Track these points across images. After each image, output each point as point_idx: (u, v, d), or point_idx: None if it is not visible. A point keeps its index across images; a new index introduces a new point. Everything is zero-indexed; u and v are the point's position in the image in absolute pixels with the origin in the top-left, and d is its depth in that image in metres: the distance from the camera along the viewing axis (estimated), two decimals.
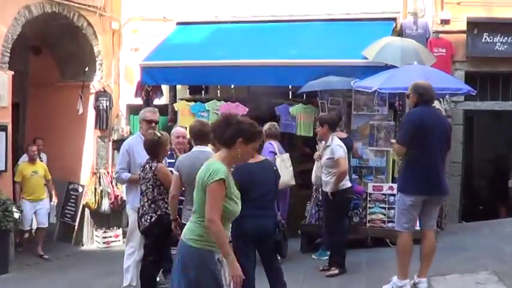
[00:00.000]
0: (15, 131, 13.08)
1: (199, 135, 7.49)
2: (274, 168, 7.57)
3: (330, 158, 9.19)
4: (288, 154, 10.73)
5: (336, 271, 9.17)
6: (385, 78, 10.17)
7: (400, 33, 12.34)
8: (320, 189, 9.89)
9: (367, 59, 10.97)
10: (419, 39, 11.90)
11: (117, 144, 13.62)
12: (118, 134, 14.12)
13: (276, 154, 10.13)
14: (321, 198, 10.09)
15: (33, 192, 12.69)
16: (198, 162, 7.03)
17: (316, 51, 11.79)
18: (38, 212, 12.72)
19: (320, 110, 11.42)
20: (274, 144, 10.24)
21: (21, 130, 14.68)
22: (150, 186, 7.80)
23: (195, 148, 7.49)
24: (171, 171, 7.66)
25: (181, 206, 7.50)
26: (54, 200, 13.25)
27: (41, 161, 13.29)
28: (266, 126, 10.24)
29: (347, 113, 11.30)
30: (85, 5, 13.54)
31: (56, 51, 14.38)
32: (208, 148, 7.43)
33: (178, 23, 13.96)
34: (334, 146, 9.17)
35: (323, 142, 9.48)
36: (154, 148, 7.92)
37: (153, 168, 7.80)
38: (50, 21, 13.22)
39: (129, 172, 8.73)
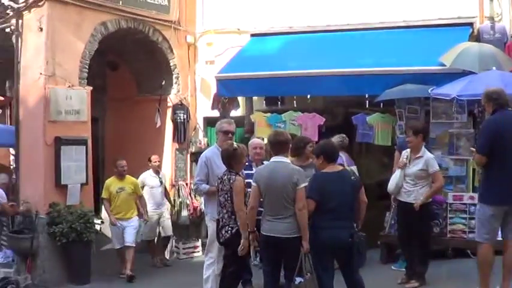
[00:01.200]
0: (94, 145, 13.53)
1: (277, 145, 7.58)
2: (353, 178, 7.57)
3: (422, 170, 9.11)
4: (355, 166, 10.75)
5: (416, 284, 9.08)
6: (463, 85, 10.08)
7: (477, 38, 12.10)
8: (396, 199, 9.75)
9: (445, 65, 10.84)
10: (497, 44, 11.65)
11: (195, 156, 13.91)
12: (196, 146, 14.43)
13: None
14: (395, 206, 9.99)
15: (120, 210, 12.22)
16: (276, 172, 7.20)
17: (393, 59, 11.72)
18: (125, 230, 12.18)
19: (398, 119, 11.39)
20: (343, 156, 10.26)
21: (101, 144, 15.16)
22: (229, 198, 7.92)
23: (273, 159, 7.58)
24: (249, 183, 7.79)
25: (260, 217, 7.57)
26: (145, 217, 12.60)
27: (160, 179, 13.24)
28: (336, 138, 10.28)
29: (425, 122, 11.22)
30: (160, 19, 13.97)
31: (132, 66, 14.85)
32: (286, 158, 7.53)
33: (253, 35, 14.12)
34: (429, 159, 9.06)
35: (408, 151, 9.38)
36: (231, 159, 8.05)
37: (231, 181, 7.93)
38: (126, 36, 13.70)
39: (208, 184, 8.93)
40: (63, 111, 11.98)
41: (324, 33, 13.42)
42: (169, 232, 13.38)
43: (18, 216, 12.39)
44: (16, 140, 12.56)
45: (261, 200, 7.43)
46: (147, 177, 13.12)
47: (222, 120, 10.03)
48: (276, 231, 7.16)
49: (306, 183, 7.14)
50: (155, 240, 13.48)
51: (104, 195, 12.30)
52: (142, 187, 12.90)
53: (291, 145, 8.09)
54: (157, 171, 13.24)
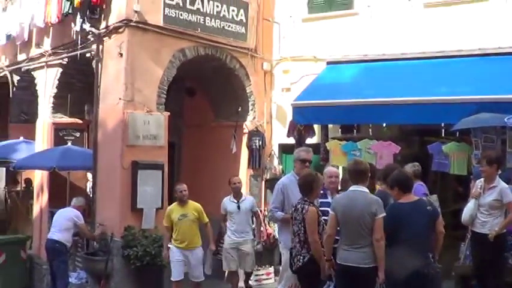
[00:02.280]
0: (170, 170, 13.77)
1: (356, 174, 7.60)
2: (429, 208, 7.50)
3: (496, 200, 8.96)
4: (436, 195, 10.63)
5: None
6: None
7: None
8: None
9: None
10: None
11: (270, 183, 14.06)
12: (270, 173, 14.53)
13: (427, 195, 10.05)
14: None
15: (182, 239, 11.04)
16: (354, 201, 7.21)
17: (468, 87, 11.55)
18: (190, 262, 11.18)
19: (474, 148, 11.23)
20: (423, 187, 10.17)
21: (176, 169, 15.42)
22: (302, 228, 7.94)
23: (352, 187, 7.59)
24: (325, 211, 7.81)
25: (336, 246, 7.57)
26: (211, 247, 11.67)
27: (238, 205, 11.60)
28: (410, 166, 10.20)
29: (501, 151, 11.03)
30: (237, 46, 14.23)
31: (209, 92, 15.13)
32: (365, 188, 7.53)
33: (329, 62, 14.17)
34: (503, 189, 8.89)
35: (482, 180, 9.25)
36: (308, 186, 8.08)
37: (303, 211, 7.94)
38: (203, 63, 13.97)
39: (283, 211, 8.98)
40: (140, 136, 12.31)
41: (399, 61, 13.39)
42: (248, 268, 11.91)
43: (95, 238, 12.71)
44: (94, 163, 12.93)
45: (338, 228, 7.45)
46: (226, 201, 11.77)
47: (300, 148, 10.09)
48: (352, 260, 7.16)
49: (384, 214, 7.13)
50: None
51: (165, 222, 11.20)
52: (225, 214, 11.74)
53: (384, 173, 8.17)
54: (237, 195, 11.75)
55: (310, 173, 8.28)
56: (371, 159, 11.89)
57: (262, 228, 13.16)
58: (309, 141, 13.72)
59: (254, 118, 14.64)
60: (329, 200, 8.64)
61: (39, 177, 15.48)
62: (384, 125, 12.82)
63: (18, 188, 17.82)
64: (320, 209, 8.14)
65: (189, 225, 11.06)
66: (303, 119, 13.17)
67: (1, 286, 14.51)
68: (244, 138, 14.53)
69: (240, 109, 14.56)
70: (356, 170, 7.58)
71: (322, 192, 8.83)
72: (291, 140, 13.94)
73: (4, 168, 17.55)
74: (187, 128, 15.40)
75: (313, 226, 7.77)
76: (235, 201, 11.64)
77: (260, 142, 14.47)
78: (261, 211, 14.16)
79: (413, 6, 13.33)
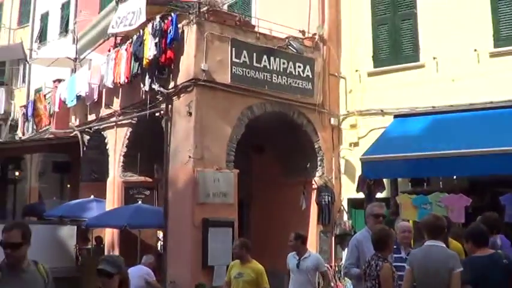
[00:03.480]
0: (240, 226, 13.95)
1: (435, 229, 7.60)
2: (505, 261, 7.47)
3: None
4: None
5: None
6: None
7: None
8: None
9: None
10: None
11: (340, 238, 14.12)
12: (340, 228, 14.56)
13: None
14: None
15: None
16: (431, 256, 7.25)
17: None
18: None
19: None
20: (498, 240, 10.09)
21: (246, 226, 15.60)
22: (376, 284, 7.94)
23: (428, 242, 7.60)
24: (400, 266, 7.86)
25: None
26: None
27: (298, 262, 10.26)
28: (488, 217, 10.14)
29: None
30: (304, 102, 14.48)
31: (277, 149, 15.35)
32: (441, 243, 7.54)
33: (396, 116, 14.24)
34: None
35: None
36: (383, 242, 8.06)
37: (378, 268, 7.97)
38: (271, 120, 14.22)
39: (358, 267, 9.05)
40: (211, 194, 12.59)
41: (467, 112, 13.34)
42: None
43: None
44: (165, 221, 13.22)
45: (414, 284, 7.48)
46: (289, 256, 10.70)
47: (373, 203, 10.14)
48: None
49: (462, 269, 7.14)
50: None
51: (226, 277, 10.25)
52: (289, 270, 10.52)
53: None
54: (299, 251, 10.51)
55: (384, 229, 8.30)
56: (442, 213, 11.81)
57: (332, 285, 13.07)
58: (378, 195, 13.75)
59: (323, 173, 14.76)
60: (402, 255, 8.67)
61: (109, 235, 15.86)
62: (455, 177, 12.76)
63: (89, 246, 18.24)
64: (394, 264, 8.16)
65: (243, 286, 9.71)
66: (373, 173, 13.21)
67: None
68: (314, 194, 14.62)
69: (308, 165, 14.71)
70: (435, 225, 7.56)
71: (395, 247, 8.87)
72: (361, 195, 13.98)
73: (75, 226, 17.98)
74: (256, 185, 15.59)
75: (388, 283, 7.79)
76: (297, 258, 10.42)
77: (329, 198, 14.56)
78: (331, 266, 14.20)
79: (479, 56, 13.36)
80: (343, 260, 14.02)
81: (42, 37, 31.46)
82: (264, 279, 9.79)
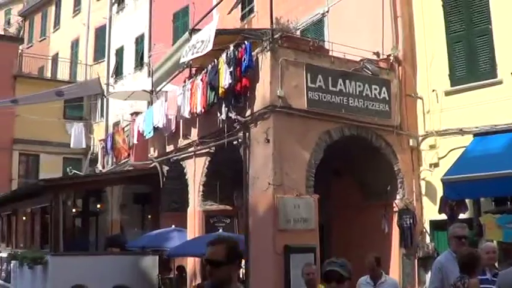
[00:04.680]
0: (322, 252, 13.91)
1: None
2: None
3: None
4: None
5: None
6: None
7: None
8: None
9: None
10: None
11: (423, 261, 13.90)
12: (423, 251, 14.34)
13: None
14: None
15: None
16: None
17: None
18: None
19: None
20: None
21: (327, 251, 15.52)
22: None
23: None
24: None
25: None
26: None
27: (373, 284, 10.01)
28: None
29: None
30: (382, 125, 14.41)
31: (356, 172, 15.30)
32: None
33: (476, 135, 14.01)
34: None
35: None
36: (471, 264, 7.97)
37: (465, 285, 7.87)
38: (349, 143, 14.20)
39: None
40: (291, 220, 12.62)
41: None
42: None
43: None
44: (246, 249, 13.27)
45: None
46: (361, 281, 10.24)
47: (455, 224, 10.00)
48: None
49: None
50: None
51: None
52: None
53: None
54: (375, 275, 10.15)
55: (471, 253, 8.17)
56: None
57: None
58: (461, 216, 13.54)
59: (403, 196, 14.60)
60: (488, 276, 8.49)
61: (191, 264, 16.06)
62: None
63: (171, 275, 18.46)
64: (481, 286, 8.02)
65: None
66: (455, 194, 13.02)
67: None
68: (395, 217, 14.46)
69: (388, 188, 14.59)
70: None
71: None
72: (443, 216, 13.78)
73: (157, 256, 18.25)
74: (336, 209, 15.56)
75: None
76: (371, 283, 10.06)
77: (411, 220, 14.38)
78: None
79: None
80: (427, 283, 13.84)
81: (118, 71, 32.34)
82: None
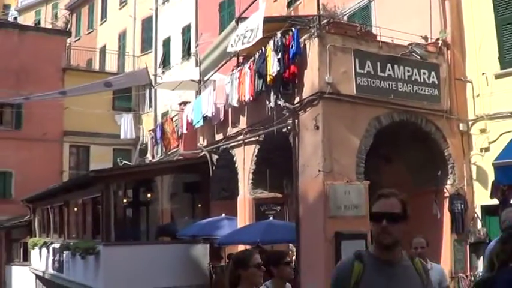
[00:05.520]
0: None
1: None
2: None
3: None
4: None
5: None
6: None
7: None
8: None
9: None
10: None
11: (474, 247, 13.79)
12: (475, 236, 14.22)
13: None
14: None
15: None
16: None
17: None
18: None
19: None
20: None
21: None
22: None
23: None
24: None
25: None
26: None
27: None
28: None
29: None
30: (431, 109, 14.28)
31: (406, 158, 15.19)
32: None
33: None
34: None
35: None
36: None
37: None
38: (398, 129, 14.12)
39: None
40: (342, 207, 12.63)
41: None
42: None
43: None
44: (297, 236, 13.35)
45: None
46: None
47: (507, 209, 9.91)
48: None
49: None
50: None
51: None
52: None
53: None
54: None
55: None
56: None
57: None
58: None
59: (454, 181, 14.47)
60: None
61: None
62: None
63: (222, 264, 18.60)
64: None
65: None
66: (507, 178, 12.84)
67: None
68: (446, 203, 14.35)
69: (439, 173, 14.47)
70: None
71: None
72: (494, 201, 13.64)
73: (208, 245, 18.42)
74: None
75: None
76: None
77: (462, 205, 14.27)
78: (466, 276, 13.92)
79: None
80: (479, 269, 13.75)
81: (165, 62, 32.58)
82: None
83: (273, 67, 13.77)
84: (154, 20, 34.32)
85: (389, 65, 13.79)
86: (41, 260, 26.94)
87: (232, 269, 5.30)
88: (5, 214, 32.03)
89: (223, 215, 17.23)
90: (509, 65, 14.40)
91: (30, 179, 30.79)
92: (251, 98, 15.02)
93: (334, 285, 4.20)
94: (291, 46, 13.43)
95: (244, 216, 16.13)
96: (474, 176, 14.80)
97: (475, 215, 14.67)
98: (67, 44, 37.50)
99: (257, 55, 14.76)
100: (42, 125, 32.49)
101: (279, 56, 13.62)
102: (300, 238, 13.34)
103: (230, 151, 17.14)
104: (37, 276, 29.43)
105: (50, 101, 29.17)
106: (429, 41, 14.87)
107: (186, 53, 30.40)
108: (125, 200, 23.63)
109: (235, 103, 15.99)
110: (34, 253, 28.65)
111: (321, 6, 13.96)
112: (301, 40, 13.49)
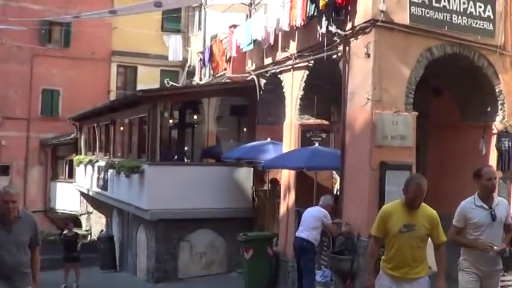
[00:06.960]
0: (417, 170, 13.88)
1: None
2: None
3: None
4: None
5: None
6: None
7: None
8: None
9: None
10: None
11: None
12: None
13: None
14: None
15: (399, 264, 7.16)
16: None
17: None
18: None
19: None
20: None
21: (422, 170, 15.50)
22: None
23: None
24: None
25: None
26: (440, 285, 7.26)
27: (493, 214, 7.74)
28: None
29: None
30: (485, 44, 14.01)
31: (456, 92, 15.05)
32: None
33: None
34: None
35: None
36: None
37: None
38: (450, 62, 13.94)
39: None
40: (389, 136, 12.61)
41: None
42: None
43: (340, 237, 13.20)
44: (342, 164, 13.45)
45: None
46: (467, 206, 7.97)
47: None
48: None
49: None
50: None
51: (376, 231, 7.35)
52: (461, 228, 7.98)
53: None
54: (488, 198, 7.90)
55: None
56: None
57: None
58: None
59: (504, 118, 14.30)
60: None
61: (286, 177, 16.34)
62: None
63: (265, 188, 18.87)
64: None
65: (415, 244, 7.15)
66: None
67: (248, 278, 15.88)
68: (493, 139, 14.25)
69: (489, 109, 14.29)
70: None
71: None
72: None
73: (252, 168, 18.65)
74: (433, 129, 15.38)
75: None
76: (486, 207, 7.84)
77: (510, 143, 14.14)
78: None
79: None
80: None
81: None
82: (440, 231, 7.32)
83: None
84: None
85: None
86: (85, 177, 27.57)
87: None
88: (51, 132, 32.75)
89: (269, 139, 17.39)
90: None
91: (77, 98, 31.34)
92: (302, 23, 14.88)
93: None
94: None
95: (289, 141, 16.23)
96: None
97: None
98: None
99: None
100: (91, 44, 32.78)
101: None
102: (344, 166, 13.42)
103: (278, 76, 17.13)
104: (81, 193, 30.16)
105: (98, 20, 29.21)
106: None
107: None
108: (171, 121, 23.99)
109: (285, 27, 15.90)
110: (79, 170, 29.32)
111: None
112: None
